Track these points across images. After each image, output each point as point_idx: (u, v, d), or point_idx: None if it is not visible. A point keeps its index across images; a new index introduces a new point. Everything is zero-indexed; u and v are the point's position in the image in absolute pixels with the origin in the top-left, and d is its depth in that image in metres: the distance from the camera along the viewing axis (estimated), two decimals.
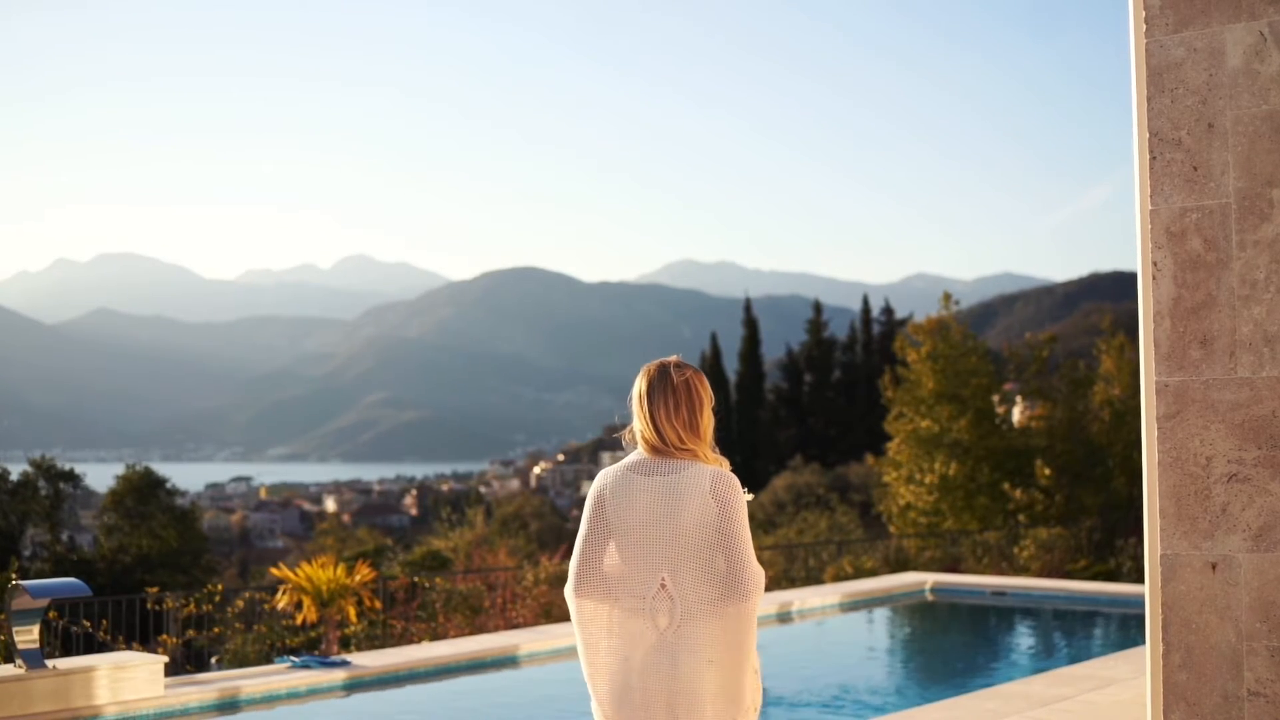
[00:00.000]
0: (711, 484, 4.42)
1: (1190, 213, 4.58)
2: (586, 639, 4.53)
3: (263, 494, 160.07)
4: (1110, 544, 25.34)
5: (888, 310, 72.22)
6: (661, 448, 4.53)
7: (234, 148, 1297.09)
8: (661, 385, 4.58)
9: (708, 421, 4.62)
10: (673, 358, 4.75)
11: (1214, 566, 4.51)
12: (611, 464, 4.74)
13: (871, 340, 70.37)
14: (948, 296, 32.30)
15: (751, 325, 68.05)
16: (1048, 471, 29.61)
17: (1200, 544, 4.53)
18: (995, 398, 31.30)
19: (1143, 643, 12.71)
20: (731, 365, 67.54)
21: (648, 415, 4.57)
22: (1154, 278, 4.66)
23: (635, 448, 4.67)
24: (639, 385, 4.64)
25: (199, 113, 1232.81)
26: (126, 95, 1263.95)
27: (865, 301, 72.28)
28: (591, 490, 4.65)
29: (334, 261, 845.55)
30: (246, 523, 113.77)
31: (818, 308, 70.78)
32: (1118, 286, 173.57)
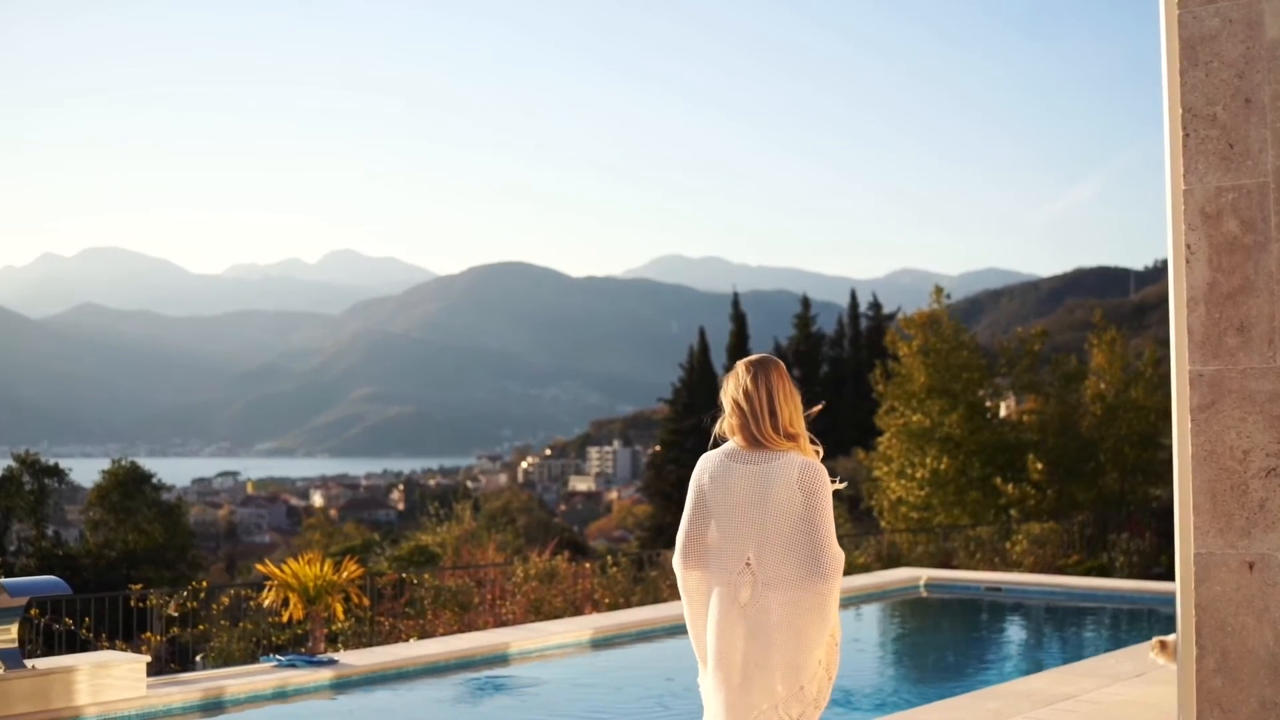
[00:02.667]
0: (799, 474, 4.81)
1: (1226, 192, 4.33)
2: (691, 604, 5.01)
3: (249, 489, 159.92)
4: (1102, 539, 25.25)
5: (875, 305, 71.99)
6: (767, 435, 4.88)
7: (220, 143, 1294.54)
8: (778, 371, 4.99)
9: (801, 414, 5.04)
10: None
11: (1251, 566, 4.28)
12: (712, 451, 5.13)
13: (859, 335, 70.18)
14: (939, 290, 32.02)
15: (739, 320, 67.79)
16: (1040, 466, 29.42)
17: (1236, 542, 4.29)
18: (981, 392, 31.07)
19: (1142, 640, 12.61)
20: (719, 360, 67.21)
21: (764, 396, 4.92)
22: (1187, 261, 4.40)
23: (726, 440, 5.03)
24: (750, 371, 4.98)
25: (184, 109, 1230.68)
26: (114, 93, 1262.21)
27: (853, 296, 72.11)
28: (694, 474, 5.03)
29: (320, 256, 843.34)
30: (233, 518, 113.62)
31: (805, 303, 70.50)
32: (1102, 282, 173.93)
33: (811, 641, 4.78)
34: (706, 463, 4.99)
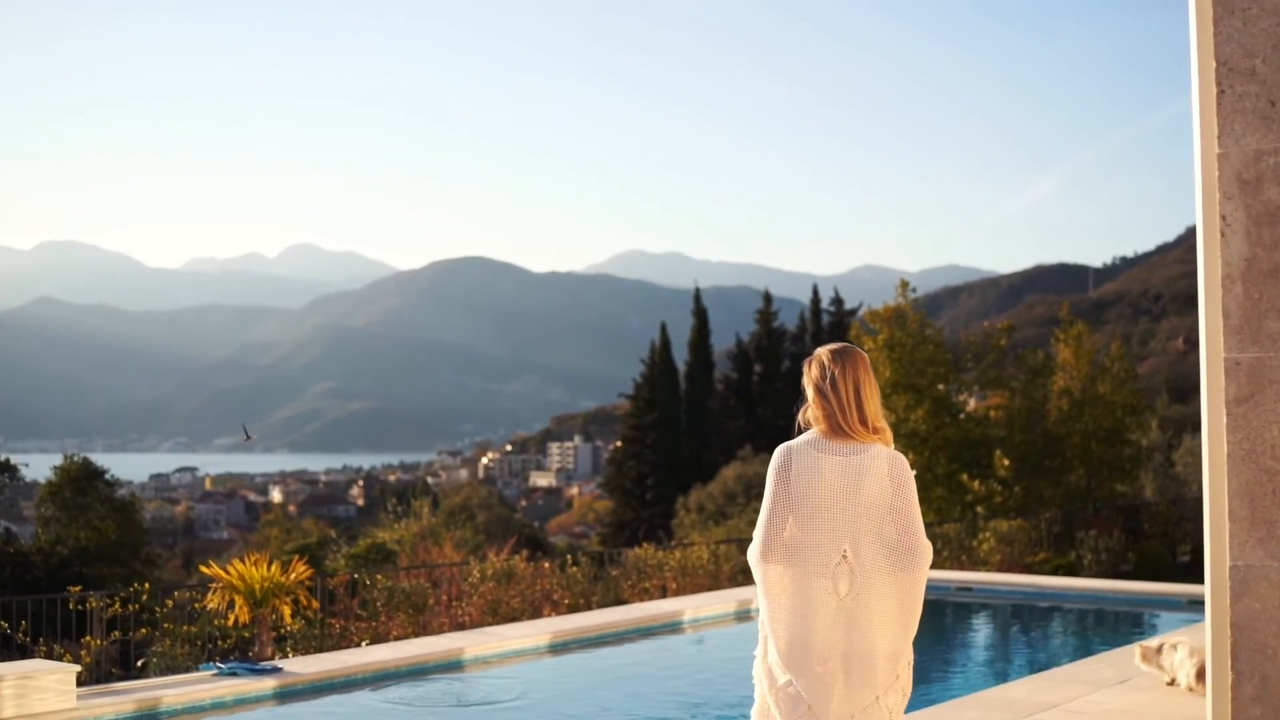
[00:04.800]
0: (889, 466, 4.89)
1: (1267, 156, 3.81)
2: (770, 598, 4.92)
3: (208, 485, 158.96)
4: (1070, 536, 25.01)
5: (837, 300, 71.71)
6: (854, 429, 4.90)
7: (178, 134, 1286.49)
8: (864, 364, 5.01)
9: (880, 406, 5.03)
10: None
11: None
12: (794, 444, 5.00)
13: (821, 330, 69.88)
14: (904, 284, 31.56)
15: (701, 315, 67.56)
16: (1006, 463, 29.08)
17: (1278, 553, 3.78)
18: (940, 386, 30.62)
19: (1123, 643, 12.18)
20: (680, 355, 66.88)
21: (852, 390, 4.94)
22: (1222, 234, 3.86)
23: (810, 429, 5.01)
24: (837, 363, 4.99)
25: (142, 101, 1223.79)
26: (72, 90, 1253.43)
27: (814, 292, 71.78)
28: (775, 464, 4.96)
29: (280, 250, 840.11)
30: (191, 514, 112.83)
31: (767, 298, 70.16)
32: (1062, 279, 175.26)
33: (906, 628, 4.86)
34: (789, 454, 4.95)
